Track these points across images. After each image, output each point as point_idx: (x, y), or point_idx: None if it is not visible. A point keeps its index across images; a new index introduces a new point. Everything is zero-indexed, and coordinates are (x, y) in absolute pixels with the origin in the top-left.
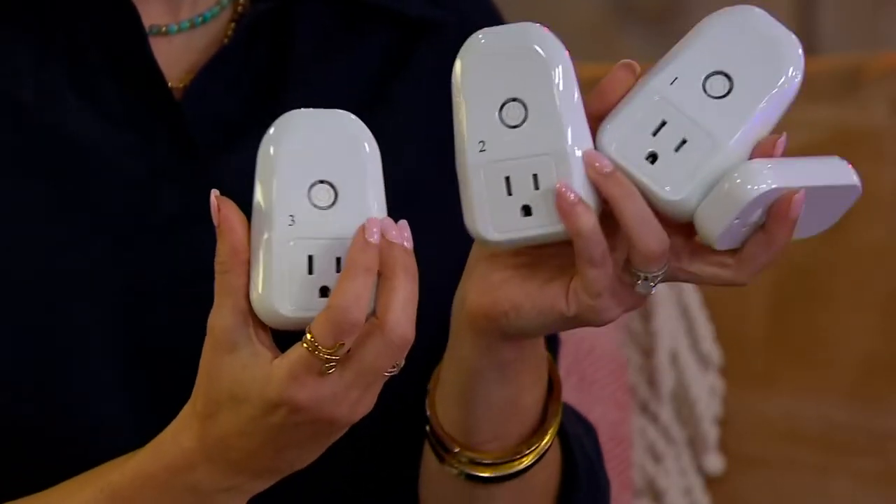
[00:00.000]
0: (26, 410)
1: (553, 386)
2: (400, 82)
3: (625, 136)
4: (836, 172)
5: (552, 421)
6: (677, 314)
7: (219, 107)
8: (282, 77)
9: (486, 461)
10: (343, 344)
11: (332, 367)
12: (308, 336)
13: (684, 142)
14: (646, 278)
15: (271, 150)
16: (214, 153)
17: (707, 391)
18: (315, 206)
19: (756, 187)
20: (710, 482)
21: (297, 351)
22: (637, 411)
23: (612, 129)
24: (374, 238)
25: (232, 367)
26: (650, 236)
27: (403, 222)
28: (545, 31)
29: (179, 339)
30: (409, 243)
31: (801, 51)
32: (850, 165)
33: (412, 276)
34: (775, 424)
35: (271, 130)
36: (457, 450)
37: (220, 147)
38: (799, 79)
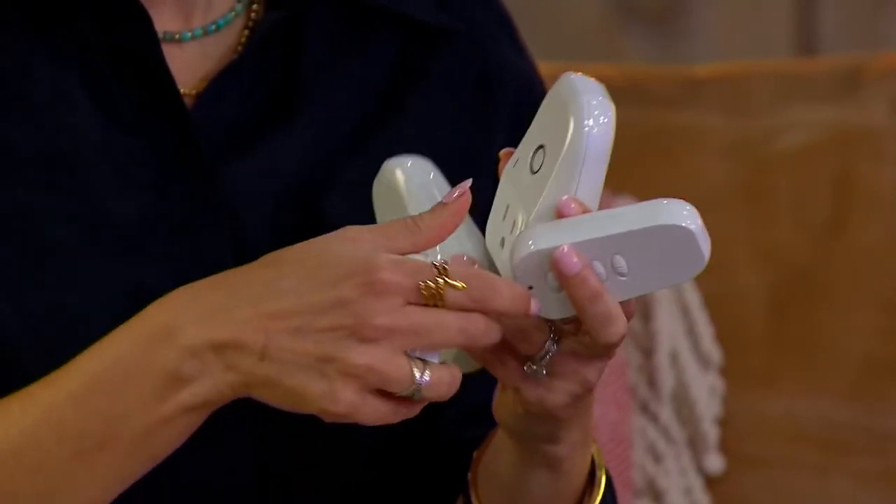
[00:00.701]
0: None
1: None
2: (410, 91)
3: (492, 225)
4: (650, 217)
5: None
6: (677, 314)
7: (230, 114)
8: (293, 85)
9: None
10: (454, 290)
11: (426, 296)
12: (443, 263)
13: (514, 223)
14: (532, 365)
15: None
16: (224, 160)
17: (707, 391)
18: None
19: (517, 254)
20: (711, 482)
21: (420, 261)
22: (637, 411)
23: (490, 221)
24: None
25: (339, 241)
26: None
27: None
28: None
29: None
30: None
31: (591, 99)
32: (687, 209)
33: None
34: (775, 424)
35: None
36: None
37: (229, 154)
38: (599, 124)
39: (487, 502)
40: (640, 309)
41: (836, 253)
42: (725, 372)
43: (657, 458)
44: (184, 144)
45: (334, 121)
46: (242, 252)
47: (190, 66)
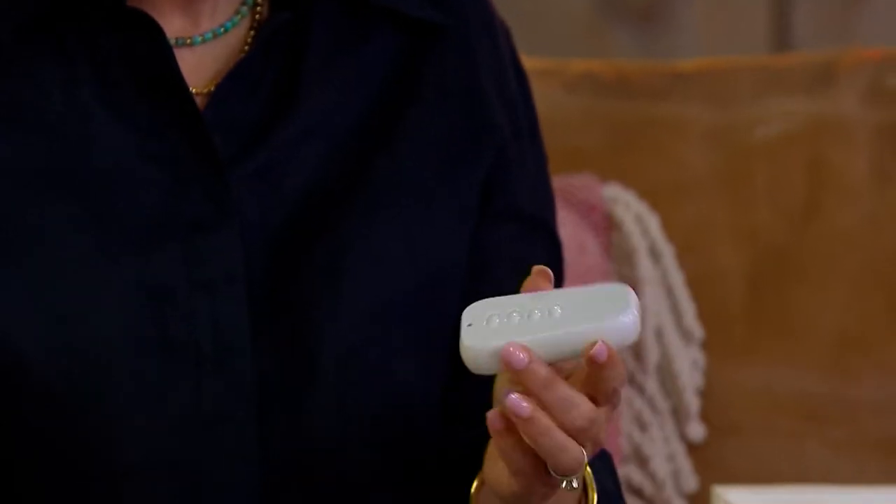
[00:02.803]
0: (49, 407)
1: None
2: (407, 89)
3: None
4: (594, 327)
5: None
6: (662, 293)
7: (239, 114)
8: (296, 84)
9: None
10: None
11: None
12: None
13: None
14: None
15: None
16: (235, 159)
17: (689, 364)
18: None
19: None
20: (693, 449)
21: None
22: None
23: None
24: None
25: None
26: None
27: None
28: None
29: (197, 332)
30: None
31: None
32: (628, 306)
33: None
34: (753, 395)
35: None
36: None
37: (241, 153)
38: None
39: None
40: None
41: (810, 235)
42: (706, 346)
43: (643, 426)
44: (197, 145)
45: (336, 118)
46: (250, 248)
47: (200, 68)
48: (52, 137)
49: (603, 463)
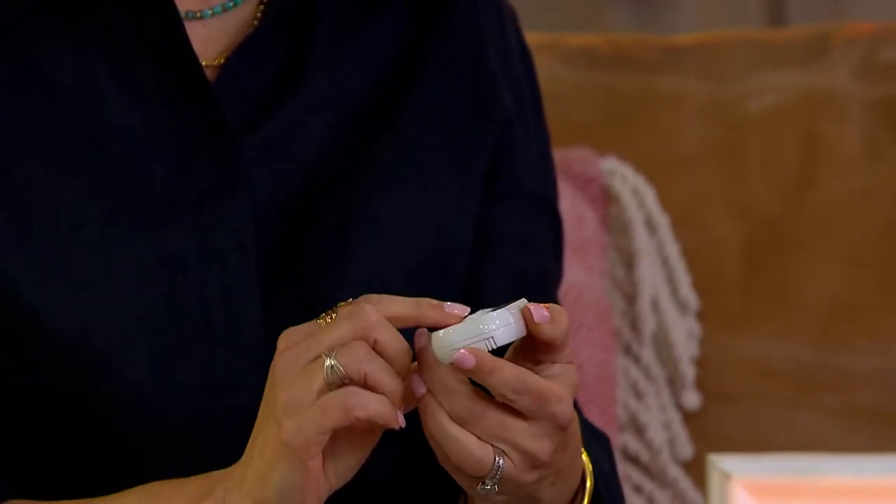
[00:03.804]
0: (63, 374)
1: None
2: (414, 67)
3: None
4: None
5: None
6: (658, 264)
7: (248, 86)
8: (305, 57)
9: None
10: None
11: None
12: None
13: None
14: (485, 485)
15: None
16: (244, 131)
17: (685, 334)
18: None
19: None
20: (688, 417)
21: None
22: (621, 353)
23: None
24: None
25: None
26: None
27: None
28: None
29: (208, 301)
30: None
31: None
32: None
33: None
34: (748, 364)
35: None
36: None
37: (249, 125)
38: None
39: None
40: (623, 259)
41: (804, 207)
42: (702, 316)
43: (639, 395)
44: (208, 116)
45: (343, 94)
46: (259, 219)
47: (211, 41)
48: (64, 107)
49: (600, 444)
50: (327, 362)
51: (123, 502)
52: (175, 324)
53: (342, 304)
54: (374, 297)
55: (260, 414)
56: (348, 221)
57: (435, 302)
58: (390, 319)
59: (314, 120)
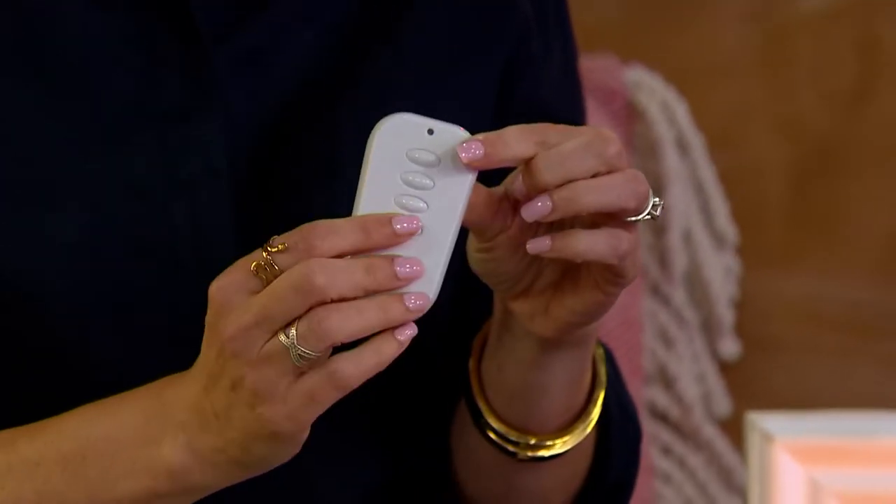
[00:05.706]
0: (4, 308)
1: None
2: (402, 19)
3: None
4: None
5: (598, 390)
6: (690, 190)
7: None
8: None
9: (552, 441)
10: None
11: (262, 277)
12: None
13: None
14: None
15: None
16: (217, 41)
17: (722, 272)
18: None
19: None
20: (725, 367)
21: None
22: (648, 294)
23: None
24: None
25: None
26: None
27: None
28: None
29: (175, 234)
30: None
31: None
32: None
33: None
34: (795, 306)
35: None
36: (532, 441)
37: (223, 34)
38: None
39: (508, 412)
40: (651, 184)
41: (860, 124)
42: (741, 251)
43: (668, 342)
44: (176, 22)
45: (333, 4)
46: (236, 142)
47: None
48: (16, 10)
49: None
50: (293, 351)
51: (61, 428)
52: (135, 258)
53: (277, 238)
54: (314, 231)
55: (201, 363)
56: (335, 145)
57: (382, 217)
58: (339, 256)
59: (300, 31)
